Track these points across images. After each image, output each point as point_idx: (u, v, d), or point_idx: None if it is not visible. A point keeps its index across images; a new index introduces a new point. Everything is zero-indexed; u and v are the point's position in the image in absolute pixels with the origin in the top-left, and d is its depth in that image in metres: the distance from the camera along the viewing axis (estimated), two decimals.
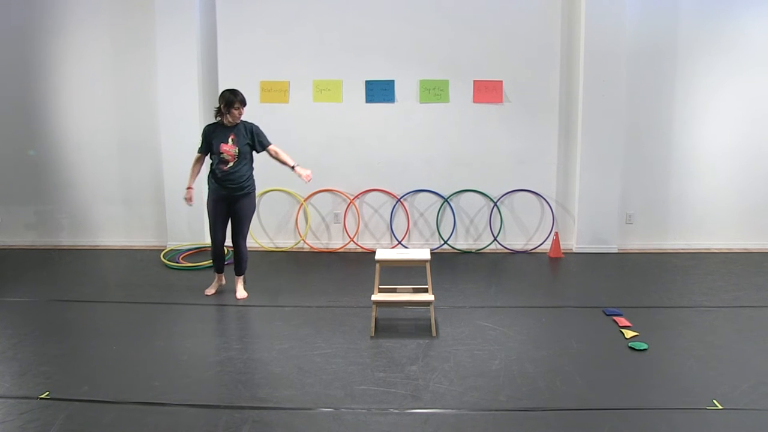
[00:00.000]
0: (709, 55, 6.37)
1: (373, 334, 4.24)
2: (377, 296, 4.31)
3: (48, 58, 6.62)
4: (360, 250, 6.69)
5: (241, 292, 5.06)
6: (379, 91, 6.47)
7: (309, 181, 4.99)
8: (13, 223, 6.91)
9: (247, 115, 6.49)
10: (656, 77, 6.41)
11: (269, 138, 5.01)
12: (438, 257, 6.19)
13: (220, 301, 4.98)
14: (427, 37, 6.38)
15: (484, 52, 6.39)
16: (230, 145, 4.77)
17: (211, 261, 5.22)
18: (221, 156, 4.76)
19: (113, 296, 5.17)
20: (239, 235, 4.94)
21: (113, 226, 6.87)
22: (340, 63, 6.45)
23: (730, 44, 6.34)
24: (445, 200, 6.60)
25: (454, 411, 3.23)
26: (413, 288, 4.50)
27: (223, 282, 5.25)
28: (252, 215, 5.02)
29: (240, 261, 5.01)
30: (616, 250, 6.54)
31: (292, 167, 4.93)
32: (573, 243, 6.62)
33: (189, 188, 4.92)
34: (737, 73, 6.38)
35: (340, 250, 6.68)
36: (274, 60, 6.47)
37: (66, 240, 6.93)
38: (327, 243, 6.77)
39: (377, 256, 4.38)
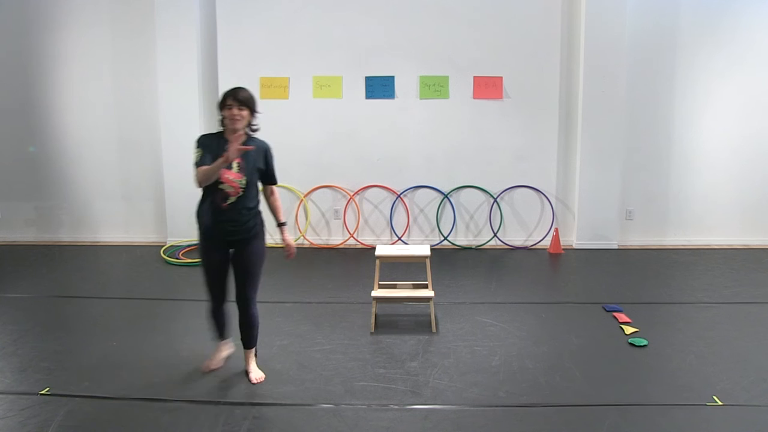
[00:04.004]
0: (709, 50, 6.36)
1: (373, 330, 4.24)
2: (377, 292, 4.31)
3: (48, 55, 6.61)
4: (360, 246, 6.68)
5: (256, 372, 3.58)
6: (379, 87, 6.46)
7: (289, 256, 3.59)
8: (14, 219, 6.91)
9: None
10: (656, 73, 6.40)
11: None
12: (438, 253, 6.18)
13: None
14: (427, 33, 6.37)
15: (485, 47, 6.38)
16: (235, 173, 3.31)
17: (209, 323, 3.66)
18: (221, 187, 3.30)
19: (113, 292, 5.17)
20: (246, 294, 3.48)
21: (113, 222, 6.87)
22: (340, 59, 6.44)
23: (730, 39, 6.33)
24: (445, 196, 6.60)
25: (454, 407, 3.24)
26: (413, 284, 4.50)
27: (231, 349, 3.77)
28: (262, 264, 3.52)
29: (250, 328, 3.56)
30: (616, 246, 6.54)
31: (281, 224, 3.60)
32: (573, 239, 6.62)
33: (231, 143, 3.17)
34: (737, 68, 6.37)
35: (340, 246, 6.68)
36: (274, 56, 6.46)
37: (66, 236, 6.93)
38: (327, 239, 6.77)
39: (377, 252, 4.38)
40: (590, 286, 5.31)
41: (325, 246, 6.71)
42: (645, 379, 3.53)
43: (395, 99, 6.49)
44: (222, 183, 3.30)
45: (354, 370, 3.66)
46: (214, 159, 3.21)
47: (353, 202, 6.65)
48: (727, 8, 6.29)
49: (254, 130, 3.43)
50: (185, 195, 6.49)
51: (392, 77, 6.44)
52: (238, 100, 3.28)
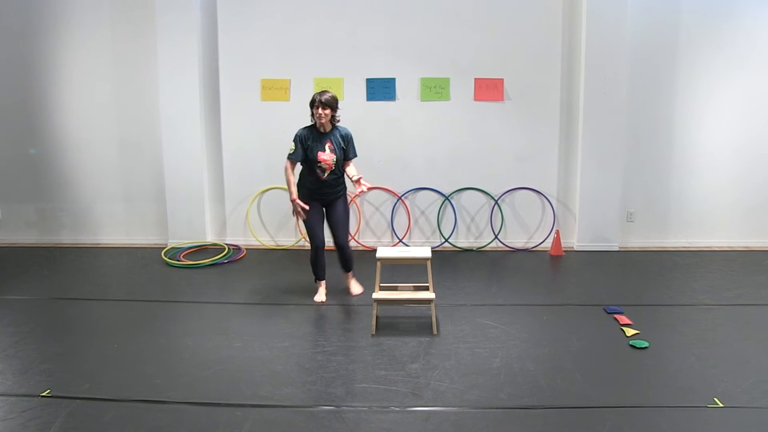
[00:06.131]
0: (710, 52, 6.35)
1: (374, 332, 4.24)
2: (378, 294, 4.31)
3: (49, 56, 6.62)
4: (361, 248, 6.68)
5: (356, 287, 5.04)
6: (380, 89, 6.46)
7: (359, 188, 4.65)
8: (15, 221, 6.91)
9: (248, 112, 6.59)
10: (657, 74, 6.40)
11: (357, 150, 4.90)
12: (439, 255, 6.18)
13: (221, 299, 4.99)
14: (428, 34, 6.37)
15: (486, 49, 6.38)
16: (328, 153, 4.64)
17: (311, 267, 4.98)
18: (319, 165, 4.65)
19: (114, 294, 5.17)
20: (342, 238, 4.87)
21: (114, 224, 6.87)
22: (341, 61, 6.44)
23: (730, 41, 6.32)
24: (446, 198, 6.60)
25: (455, 409, 3.24)
26: (414, 286, 4.50)
27: (324, 297, 4.95)
28: (349, 216, 4.96)
29: (348, 260, 4.98)
30: (617, 248, 6.53)
31: (355, 180, 4.68)
32: (574, 241, 6.61)
33: (295, 199, 4.69)
34: (738, 70, 6.36)
35: None
36: (275, 58, 6.46)
37: (67, 238, 6.93)
38: (328, 241, 6.74)
39: (378, 254, 4.38)
40: (591, 288, 5.30)
41: (327, 248, 6.68)
42: (646, 381, 3.53)
43: (396, 101, 6.49)
44: (320, 162, 4.64)
45: (355, 372, 3.66)
46: (305, 149, 4.64)
47: (354, 204, 6.65)
48: (729, 10, 6.28)
49: (337, 121, 4.72)
50: (186, 197, 6.57)
51: (393, 79, 6.45)
52: (322, 102, 4.52)
